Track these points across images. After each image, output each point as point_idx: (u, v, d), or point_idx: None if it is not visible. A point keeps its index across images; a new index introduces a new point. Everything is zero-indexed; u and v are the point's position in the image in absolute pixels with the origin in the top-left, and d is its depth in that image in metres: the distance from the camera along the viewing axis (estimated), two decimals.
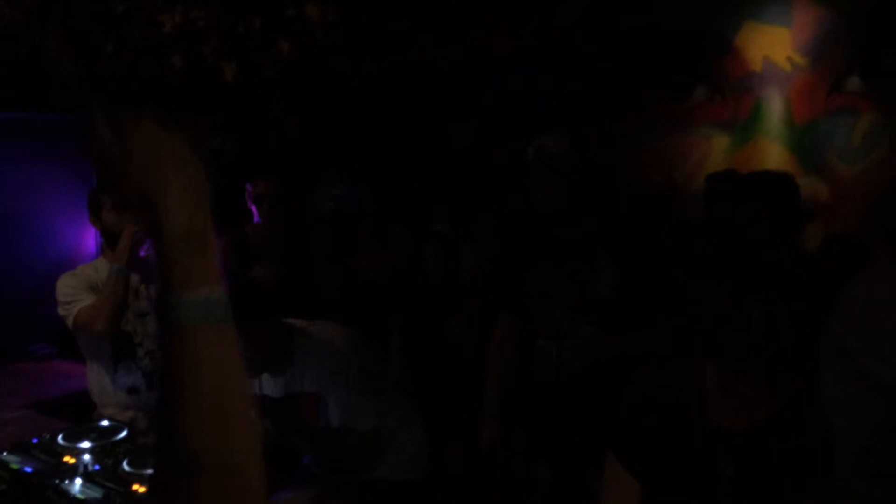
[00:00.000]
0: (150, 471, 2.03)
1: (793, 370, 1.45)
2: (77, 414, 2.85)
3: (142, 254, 2.80)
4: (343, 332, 2.34)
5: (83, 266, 2.93)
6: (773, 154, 3.98)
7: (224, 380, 0.73)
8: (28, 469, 2.08)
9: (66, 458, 2.12)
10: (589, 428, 2.42)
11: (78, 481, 2.01)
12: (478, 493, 2.71)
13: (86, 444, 2.20)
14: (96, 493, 1.95)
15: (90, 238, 4.10)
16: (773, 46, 3.98)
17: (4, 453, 2.18)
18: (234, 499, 0.72)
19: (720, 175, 3.26)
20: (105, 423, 2.42)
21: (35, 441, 2.25)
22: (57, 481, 2.00)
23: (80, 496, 1.94)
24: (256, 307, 2.11)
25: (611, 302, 2.48)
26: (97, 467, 2.08)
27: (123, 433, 2.29)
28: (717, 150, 4.18)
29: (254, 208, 3.72)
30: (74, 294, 2.77)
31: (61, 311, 2.80)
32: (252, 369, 2.27)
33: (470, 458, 2.89)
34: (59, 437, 2.26)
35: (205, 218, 0.75)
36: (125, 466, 2.07)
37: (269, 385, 2.33)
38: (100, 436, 2.27)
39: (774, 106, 4.01)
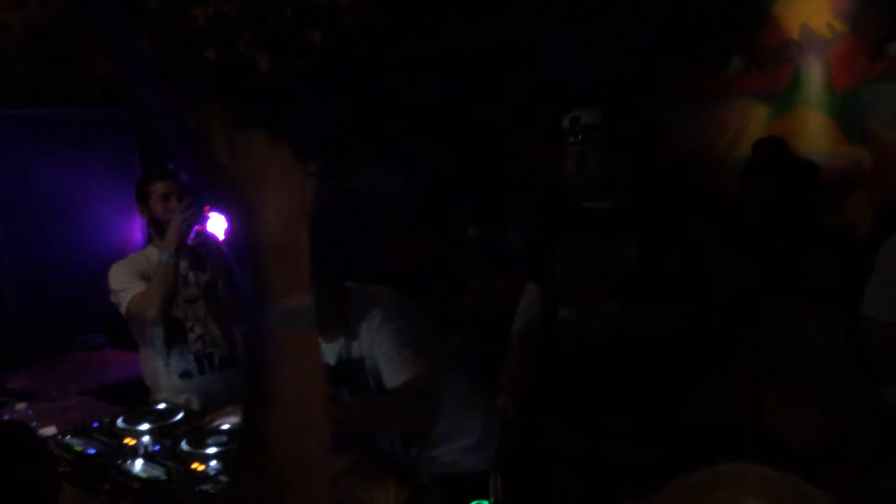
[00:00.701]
0: (209, 449, 2.08)
1: (852, 383, 1.36)
2: (131, 399, 2.92)
3: (189, 242, 2.85)
4: (399, 297, 2.33)
5: (134, 254, 3.01)
6: (814, 123, 3.91)
7: (309, 384, 0.79)
8: (91, 451, 2.14)
9: (127, 440, 2.19)
10: (608, 400, 2.45)
11: (139, 461, 2.07)
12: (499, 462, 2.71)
13: (145, 427, 2.26)
14: (158, 472, 2.01)
15: (137, 229, 4.16)
16: (811, 13, 3.90)
17: (68, 437, 2.25)
18: (302, 486, 0.78)
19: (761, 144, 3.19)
20: (162, 406, 2.48)
21: (96, 425, 2.32)
22: (119, 462, 2.07)
23: (142, 475, 2.00)
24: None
25: (636, 276, 2.48)
26: (157, 448, 2.14)
27: (180, 415, 2.36)
28: (755, 122, 4.11)
29: None
30: (126, 282, 2.84)
31: (114, 299, 2.87)
32: None
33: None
34: (119, 420, 2.33)
35: (299, 230, 0.80)
36: (183, 446, 2.13)
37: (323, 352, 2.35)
38: (158, 418, 2.33)
39: (814, 74, 3.93)
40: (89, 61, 4.50)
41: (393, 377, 2.18)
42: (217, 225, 2.86)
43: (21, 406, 2.59)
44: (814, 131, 3.79)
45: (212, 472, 1.98)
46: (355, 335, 2.26)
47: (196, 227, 2.79)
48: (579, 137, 2.53)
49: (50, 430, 2.33)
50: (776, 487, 0.71)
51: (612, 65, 4.27)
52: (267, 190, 0.78)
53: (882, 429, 1.43)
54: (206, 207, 2.72)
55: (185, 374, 2.88)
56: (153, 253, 2.91)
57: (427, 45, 4.77)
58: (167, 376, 2.87)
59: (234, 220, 0.80)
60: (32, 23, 4.23)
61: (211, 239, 2.86)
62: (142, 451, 2.12)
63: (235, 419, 2.24)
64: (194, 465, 2.02)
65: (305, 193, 0.81)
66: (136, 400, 2.90)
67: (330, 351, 2.30)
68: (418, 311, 2.34)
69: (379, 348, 2.21)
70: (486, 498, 1.77)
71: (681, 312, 2.47)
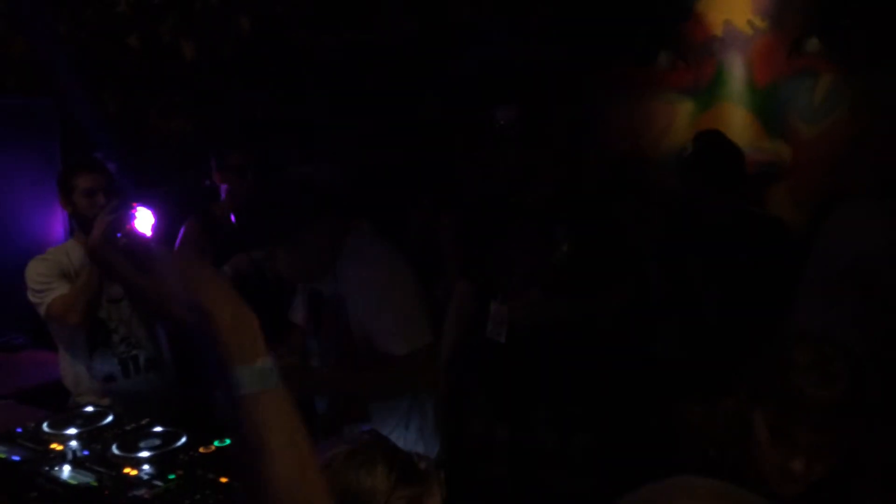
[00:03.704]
0: (142, 453, 2.03)
1: (853, 417, 1.28)
2: (55, 403, 2.82)
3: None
4: (398, 256, 2.33)
5: (54, 250, 2.87)
6: (737, 118, 4.04)
7: (292, 434, 0.88)
8: (15, 458, 2.06)
9: (54, 445, 2.11)
10: (538, 388, 2.51)
11: (67, 467, 2.00)
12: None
13: (72, 431, 2.19)
14: (88, 478, 1.94)
15: (58, 222, 4.02)
16: (734, 10, 4.03)
17: None
18: None
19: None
20: (90, 409, 2.40)
21: (19, 430, 2.23)
22: (46, 468, 1.99)
23: (71, 482, 1.94)
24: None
25: (563, 268, 2.54)
26: (86, 452, 2.07)
27: (109, 418, 2.29)
28: (681, 116, 4.22)
29: (222, 185, 3.59)
30: (47, 282, 2.72)
31: (32, 298, 2.75)
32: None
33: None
34: (44, 424, 2.24)
35: (247, 312, 0.91)
36: (114, 450, 2.07)
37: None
38: (86, 422, 2.26)
39: (736, 70, 4.06)
40: (4, 47, 4.30)
41: (397, 345, 2.19)
42: (144, 222, 2.77)
43: None
44: (736, 126, 3.91)
45: (145, 477, 1.93)
46: (337, 276, 2.25)
47: (123, 227, 2.69)
48: (496, 135, 2.58)
49: None
50: (725, 498, 0.74)
51: (543, 56, 4.31)
52: (216, 296, 0.90)
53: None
54: (133, 204, 2.64)
55: (108, 378, 2.79)
56: (75, 249, 2.80)
57: (358, 32, 4.73)
58: (89, 380, 2.78)
59: (189, 318, 0.90)
60: None
61: (138, 237, 2.78)
62: (70, 456, 2.05)
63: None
64: (126, 470, 1.97)
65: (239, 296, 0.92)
66: (62, 403, 2.81)
67: (303, 292, 2.32)
68: (405, 265, 2.33)
69: (377, 308, 2.20)
70: None
71: (606, 301, 2.54)
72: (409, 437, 2.29)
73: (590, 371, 2.52)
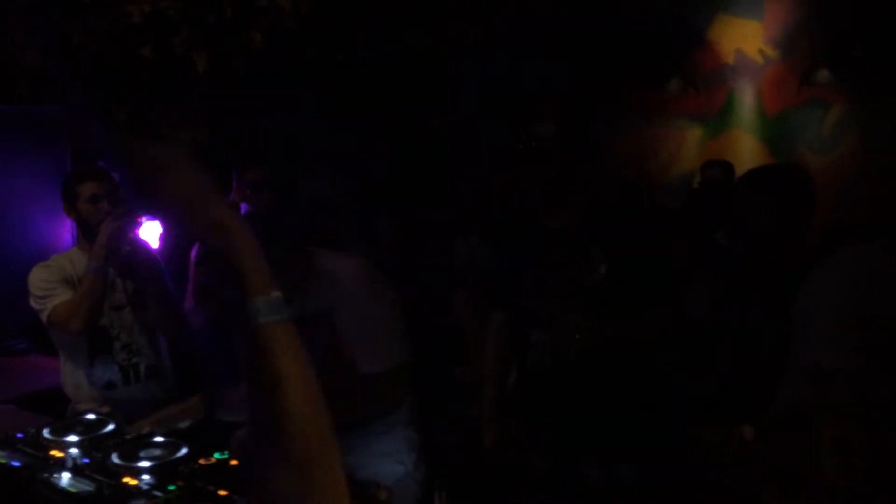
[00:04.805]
0: (142, 463, 2.01)
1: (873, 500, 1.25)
2: (58, 408, 2.81)
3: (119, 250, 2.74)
4: (376, 273, 2.33)
5: (57, 256, 2.86)
6: (746, 145, 4.06)
7: (304, 365, 0.90)
8: (15, 463, 2.05)
9: (54, 452, 2.09)
10: (586, 417, 2.40)
11: (66, 475, 1.98)
12: (481, 492, 2.69)
13: (73, 438, 2.17)
14: (87, 486, 1.93)
15: (66, 230, 4.02)
16: (745, 39, 4.05)
17: None
18: (325, 463, 0.89)
19: (716, 163, 3.26)
20: (91, 416, 2.39)
21: (20, 436, 2.21)
22: (46, 475, 1.98)
23: (70, 489, 1.92)
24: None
25: (603, 291, 2.46)
26: (86, 460, 2.06)
27: (110, 426, 2.27)
28: (690, 142, 4.24)
29: (241, 202, 3.58)
30: (49, 288, 2.71)
31: (35, 305, 2.74)
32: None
33: (470, 455, 2.88)
34: (45, 431, 2.22)
35: (257, 243, 0.92)
36: (114, 459, 2.05)
37: None
38: (87, 429, 2.24)
39: (746, 98, 4.08)
40: (18, 56, 4.33)
41: (372, 362, 2.19)
42: (149, 232, 2.77)
43: None
44: (745, 153, 3.93)
45: (144, 487, 1.91)
46: (314, 293, 2.23)
47: (128, 235, 2.69)
48: (534, 151, 2.49)
49: None
50: None
51: (556, 77, 4.33)
52: (235, 212, 0.93)
53: None
54: (139, 213, 2.64)
55: (109, 385, 2.77)
56: (78, 256, 2.80)
57: (373, 48, 4.76)
58: (89, 387, 2.76)
59: (213, 242, 0.91)
60: None
61: (142, 246, 2.77)
62: (70, 464, 2.03)
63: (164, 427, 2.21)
64: (126, 479, 1.95)
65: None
66: (64, 409, 2.79)
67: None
68: (383, 281, 2.33)
69: (355, 325, 2.20)
70: None
71: (649, 325, 2.43)
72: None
73: (637, 397, 2.41)
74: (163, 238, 2.95)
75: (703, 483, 1.35)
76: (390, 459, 2.34)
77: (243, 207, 3.53)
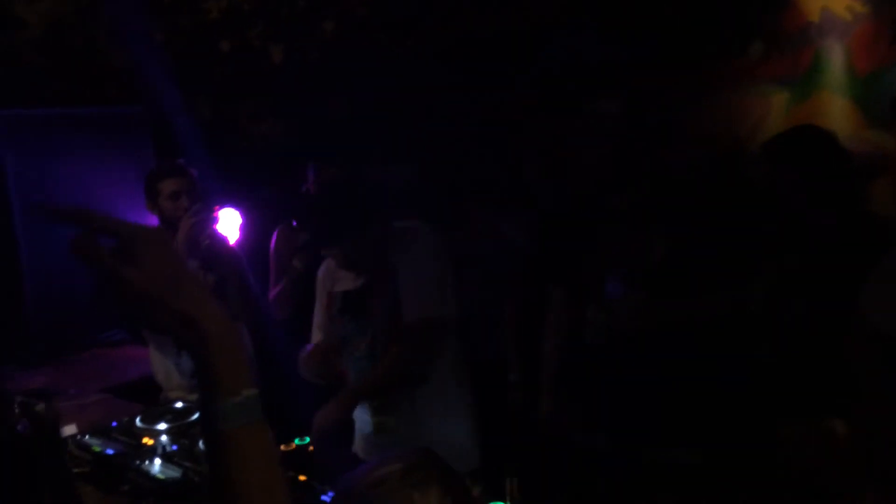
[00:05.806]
0: None
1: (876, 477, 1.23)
2: (152, 397, 2.94)
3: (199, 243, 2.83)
4: (439, 237, 2.38)
5: None
6: (836, 108, 3.84)
7: (270, 474, 0.83)
8: (109, 451, 2.15)
9: (145, 440, 2.19)
10: (643, 396, 2.37)
11: (157, 462, 2.08)
12: (537, 466, 2.69)
13: (162, 426, 2.27)
14: (175, 473, 2.01)
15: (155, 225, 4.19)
16: None
17: (86, 436, 2.26)
18: None
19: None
20: (179, 404, 2.49)
21: (114, 424, 2.33)
22: (137, 462, 2.07)
23: (159, 476, 2.01)
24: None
25: (662, 270, 2.40)
26: (175, 448, 2.15)
27: (197, 414, 2.36)
28: (776, 108, 4.04)
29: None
30: None
31: None
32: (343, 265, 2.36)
33: (523, 430, 2.88)
34: (137, 419, 2.33)
35: (236, 334, 0.85)
36: (201, 446, 2.13)
37: (343, 281, 2.41)
38: (175, 417, 2.34)
39: (835, 58, 3.85)
40: (104, 57, 4.51)
41: (411, 310, 2.23)
42: (228, 224, 2.84)
43: (40, 408, 2.59)
44: (836, 116, 3.72)
45: None
46: (386, 266, 2.31)
47: (207, 229, 2.77)
48: (597, 129, 2.45)
49: (70, 429, 2.34)
50: None
51: (629, 51, 4.21)
52: (201, 300, 0.82)
53: None
54: (217, 207, 2.71)
55: (195, 374, 2.88)
56: None
57: (442, 34, 4.73)
58: (178, 376, 2.88)
59: (176, 333, 0.82)
60: (48, 17, 4.24)
61: (221, 239, 2.85)
62: (160, 451, 2.13)
63: None
64: None
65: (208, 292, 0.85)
66: (157, 397, 2.92)
67: (351, 278, 2.37)
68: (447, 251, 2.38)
69: (408, 278, 2.26)
70: (503, 499, 1.76)
71: (711, 304, 2.36)
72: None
73: (696, 378, 2.36)
74: (242, 230, 3.03)
75: (788, 481, 1.29)
76: (446, 422, 2.35)
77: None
